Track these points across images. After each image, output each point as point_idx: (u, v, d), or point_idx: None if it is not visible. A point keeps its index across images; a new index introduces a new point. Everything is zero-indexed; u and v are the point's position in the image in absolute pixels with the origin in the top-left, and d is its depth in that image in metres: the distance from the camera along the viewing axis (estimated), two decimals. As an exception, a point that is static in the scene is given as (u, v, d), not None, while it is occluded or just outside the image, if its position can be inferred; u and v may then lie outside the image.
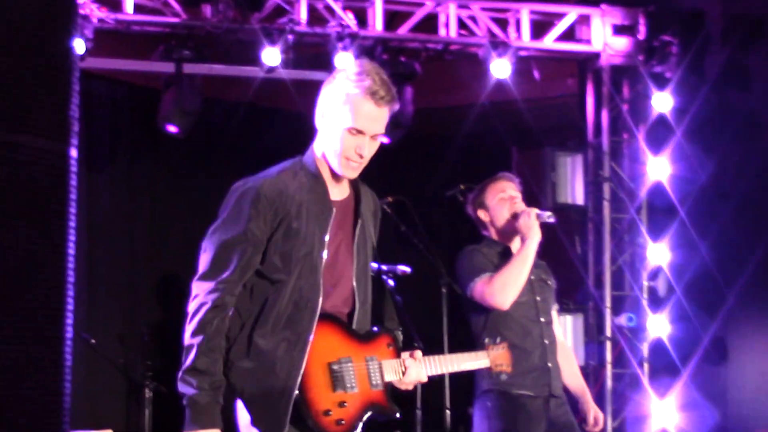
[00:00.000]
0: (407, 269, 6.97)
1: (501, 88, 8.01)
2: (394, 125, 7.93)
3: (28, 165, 2.27)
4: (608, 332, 8.12)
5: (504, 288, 5.27)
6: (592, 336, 8.17)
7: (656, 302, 8.25)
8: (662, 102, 8.20)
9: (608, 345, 8.12)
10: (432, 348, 7.07)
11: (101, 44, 7.32)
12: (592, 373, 8.10)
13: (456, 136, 8.75)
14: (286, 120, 8.86)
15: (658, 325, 8.15)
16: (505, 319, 5.39)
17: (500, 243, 5.48)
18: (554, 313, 5.61)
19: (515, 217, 5.38)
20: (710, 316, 8.09)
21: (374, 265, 4.18)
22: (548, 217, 5.33)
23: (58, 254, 2.34)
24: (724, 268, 8.09)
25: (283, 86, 7.59)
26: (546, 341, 5.41)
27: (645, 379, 8.18)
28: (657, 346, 8.19)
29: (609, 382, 8.08)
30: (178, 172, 8.96)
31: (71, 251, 2.38)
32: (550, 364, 5.40)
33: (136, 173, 8.80)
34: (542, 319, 5.42)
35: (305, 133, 8.67)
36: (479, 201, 5.56)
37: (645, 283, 8.27)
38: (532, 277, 5.42)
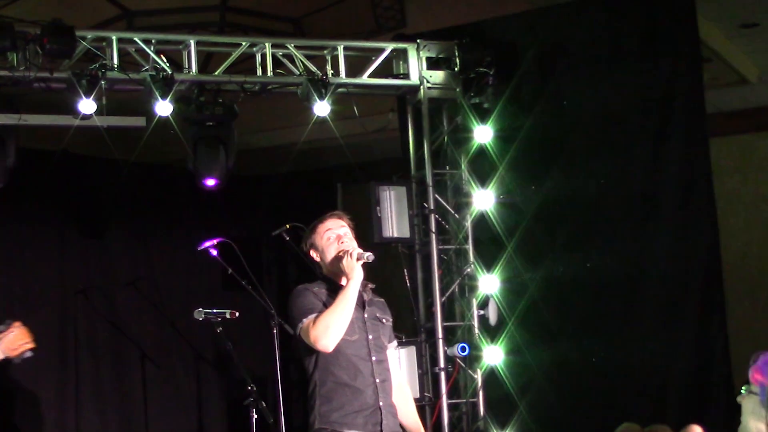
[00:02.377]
0: (236, 313, 6.88)
1: (322, 125, 7.99)
2: (218, 167, 7.85)
3: None
4: (441, 363, 8.13)
5: (327, 330, 5.23)
6: (425, 368, 8.17)
7: (488, 331, 8.31)
8: (482, 133, 8.32)
9: (442, 376, 8.12)
10: (266, 388, 7.00)
11: None
12: (428, 405, 8.09)
13: (279, 176, 8.69)
14: (101, 167, 8.68)
15: (492, 355, 8.21)
16: (337, 358, 5.34)
17: (332, 281, 5.45)
18: (391, 351, 5.58)
19: (340, 256, 5.38)
20: (542, 346, 8.18)
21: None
22: (367, 257, 5.33)
23: None
24: (552, 297, 8.21)
25: (98, 133, 7.42)
26: (378, 379, 5.38)
27: (481, 408, 8.23)
28: (491, 376, 8.25)
29: (445, 413, 8.07)
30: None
31: None
32: (381, 403, 5.37)
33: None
34: (374, 358, 5.39)
35: (116, 179, 8.51)
36: (310, 241, 5.54)
37: (475, 313, 8.31)
38: (366, 315, 5.40)
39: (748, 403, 3.50)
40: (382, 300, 5.62)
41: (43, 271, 8.97)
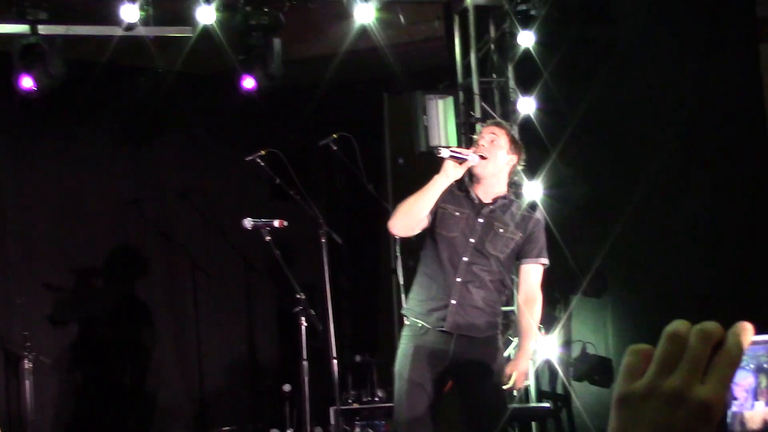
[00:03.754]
0: (285, 222, 6.93)
1: (367, 34, 7.94)
2: (262, 78, 7.86)
3: None
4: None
5: (396, 213, 5.48)
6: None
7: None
8: (527, 39, 8.23)
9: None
10: (315, 298, 7.08)
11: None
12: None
13: (326, 85, 8.66)
14: (148, 78, 8.69)
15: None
16: (430, 251, 5.61)
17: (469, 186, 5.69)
18: (530, 266, 5.73)
19: None
20: (589, 250, 8.19)
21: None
22: (437, 150, 5.48)
23: None
24: (599, 204, 8.19)
25: (143, 44, 7.43)
26: (459, 279, 5.49)
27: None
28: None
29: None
30: (38, 137, 8.73)
31: None
32: (454, 302, 5.48)
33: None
34: (465, 258, 5.52)
35: (165, 90, 8.55)
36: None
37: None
38: (480, 220, 5.52)
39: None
40: (528, 217, 5.73)
41: (93, 183, 9.05)
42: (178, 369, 9.40)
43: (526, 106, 8.24)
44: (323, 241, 7.08)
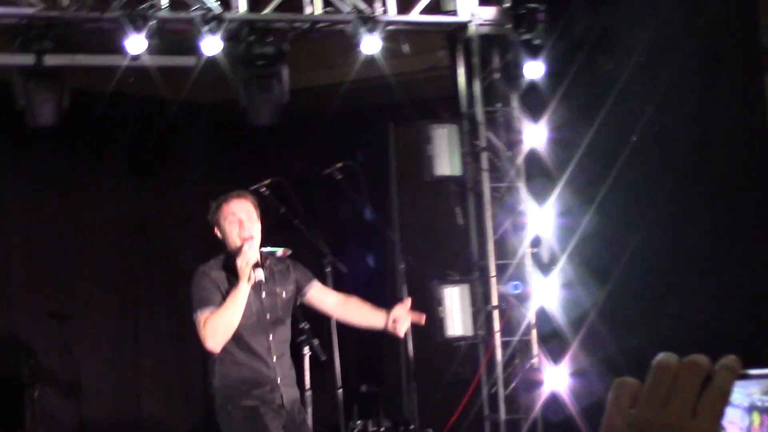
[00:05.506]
0: (288, 251, 6.91)
1: (371, 64, 7.94)
2: (269, 107, 7.85)
3: None
4: (495, 301, 8.13)
5: (215, 334, 5.38)
6: (479, 306, 8.17)
7: (541, 269, 8.29)
8: (534, 69, 8.22)
9: (495, 314, 8.12)
10: (321, 327, 7.04)
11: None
12: (481, 342, 8.11)
13: (330, 115, 8.66)
14: (153, 108, 8.71)
15: (544, 292, 8.18)
16: (235, 341, 5.47)
17: (234, 258, 5.46)
18: (316, 288, 5.74)
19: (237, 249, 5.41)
20: (598, 281, 8.14)
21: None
22: (258, 277, 5.35)
23: None
24: (610, 232, 8.15)
25: (148, 74, 7.44)
26: (275, 357, 5.53)
27: (534, 346, 8.21)
28: (544, 313, 8.22)
29: (499, 351, 8.09)
30: (43, 166, 8.73)
31: None
32: (279, 380, 5.53)
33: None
34: (272, 337, 5.55)
35: (170, 120, 8.56)
36: (214, 219, 5.58)
37: (528, 251, 8.28)
38: (263, 294, 5.51)
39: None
40: (286, 264, 5.72)
41: (99, 211, 9.06)
42: (181, 395, 9.38)
43: (535, 134, 8.22)
44: (328, 270, 7.06)
